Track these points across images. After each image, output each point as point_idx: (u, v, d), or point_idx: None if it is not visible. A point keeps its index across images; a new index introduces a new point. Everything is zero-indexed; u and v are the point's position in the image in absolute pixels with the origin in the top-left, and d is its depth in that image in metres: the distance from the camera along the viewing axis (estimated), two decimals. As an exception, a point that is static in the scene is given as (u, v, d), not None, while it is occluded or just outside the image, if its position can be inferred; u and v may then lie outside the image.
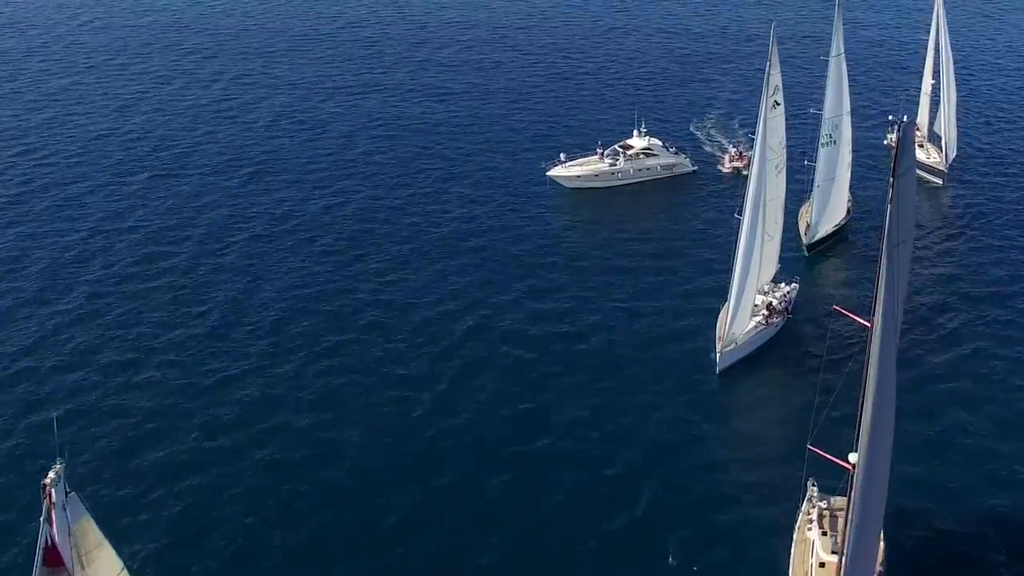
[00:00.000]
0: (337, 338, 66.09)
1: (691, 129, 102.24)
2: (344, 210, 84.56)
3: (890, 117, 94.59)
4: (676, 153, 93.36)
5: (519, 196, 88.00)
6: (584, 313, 69.00)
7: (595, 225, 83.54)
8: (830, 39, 71.18)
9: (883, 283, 34.49)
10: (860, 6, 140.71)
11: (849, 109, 73.05)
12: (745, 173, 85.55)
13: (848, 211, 77.66)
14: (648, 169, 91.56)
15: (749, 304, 60.66)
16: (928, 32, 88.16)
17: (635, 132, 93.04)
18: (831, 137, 72.17)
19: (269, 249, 77.80)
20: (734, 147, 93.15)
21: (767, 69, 59.72)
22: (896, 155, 33.56)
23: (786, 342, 64.27)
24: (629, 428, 57.06)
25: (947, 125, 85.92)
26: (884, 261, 34.20)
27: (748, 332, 61.42)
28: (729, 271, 62.26)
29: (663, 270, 74.40)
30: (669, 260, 76.24)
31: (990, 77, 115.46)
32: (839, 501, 43.82)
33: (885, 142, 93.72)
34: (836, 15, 70.17)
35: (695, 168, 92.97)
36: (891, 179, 33.57)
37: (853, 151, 75.85)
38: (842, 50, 71.19)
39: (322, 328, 67.26)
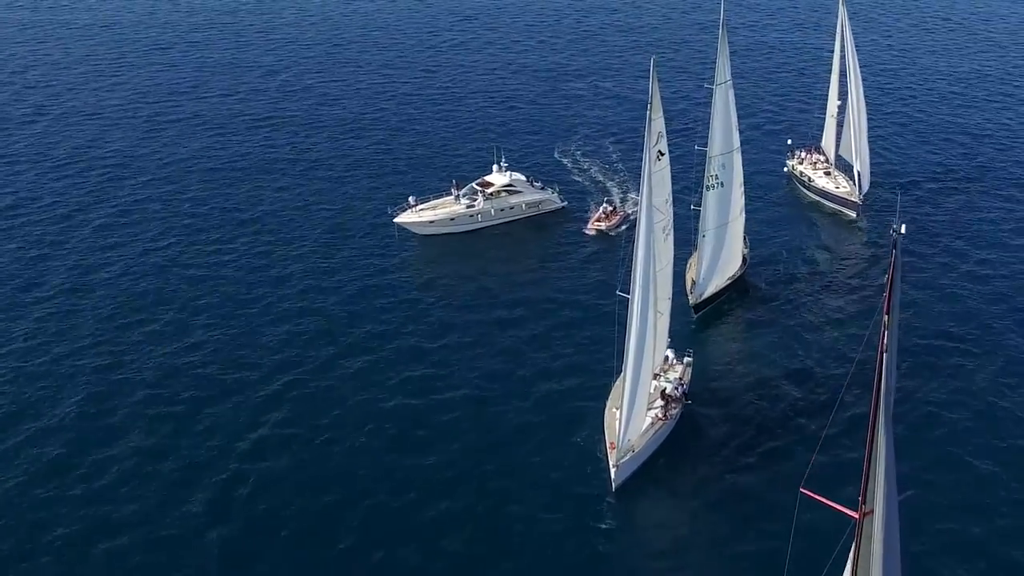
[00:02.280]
0: (159, 410, 56.54)
1: (556, 156, 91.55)
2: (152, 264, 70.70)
3: (788, 141, 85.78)
4: (542, 188, 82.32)
5: (361, 249, 75.32)
6: (441, 390, 57.38)
7: (452, 280, 71.32)
8: (713, 65, 61.08)
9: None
10: (748, 27, 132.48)
11: (739, 144, 63.14)
12: (613, 234, 76.14)
13: (744, 260, 67.60)
14: (511, 208, 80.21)
15: (644, 402, 49.61)
16: (832, 50, 79.22)
17: (494, 167, 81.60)
18: (718, 179, 62.02)
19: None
20: (606, 203, 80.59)
21: (648, 114, 48.65)
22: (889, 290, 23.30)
23: (687, 435, 53.58)
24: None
25: (858, 152, 76.87)
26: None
27: (644, 432, 50.40)
28: (612, 339, 51.94)
29: (531, 341, 62.83)
30: (540, 323, 64.86)
31: (896, 96, 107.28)
32: None
33: (785, 168, 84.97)
34: (720, 36, 59.98)
35: (564, 203, 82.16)
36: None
37: (747, 191, 66.06)
38: (728, 77, 61.17)
39: (144, 400, 56.39)
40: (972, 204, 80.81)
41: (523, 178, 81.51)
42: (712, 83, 60.97)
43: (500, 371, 59.65)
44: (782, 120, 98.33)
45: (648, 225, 48.10)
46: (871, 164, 79.31)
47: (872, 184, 79.77)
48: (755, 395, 56.88)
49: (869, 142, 78.53)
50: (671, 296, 53.88)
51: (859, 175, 77.19)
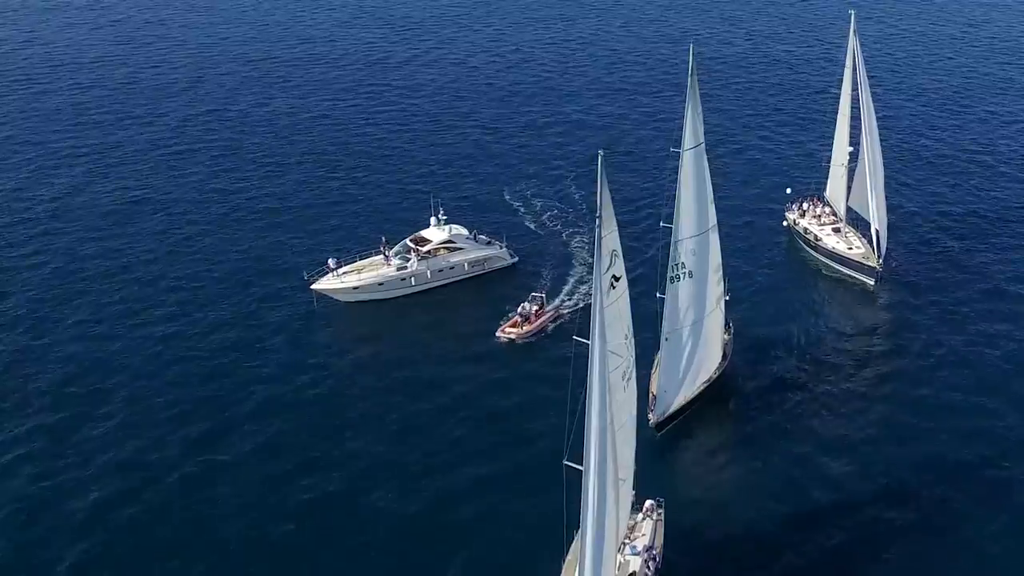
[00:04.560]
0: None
1: (506, 198, 78.24)
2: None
3: (787, 190, 71.78)
4: (488, 243, 69.17)
5: (265, 321, 62.49)
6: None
7: (377, 364, 58.31)
8: (678, 128, 47.54)
9: None
10: (733, 55, 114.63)
11: (715, 222, 49.82)
12: (530, 339, 60.39)
13: (724, 356, 54.21)
14: (452, 268, 67.15)
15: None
16: (840, 89, 64.72)
17: (432, 219, 68.38)
18: (685, 267, 48.68)
19: None
20: (531, 298, 62.67)
21: (597, 229, 35.38)
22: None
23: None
24: None
25: (875, 206, 62.81)
26: None
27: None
28: (560, 509, 38.78)
29: (476, 456, 49.75)
30: (483, 432, 51.74)
31: (910, 133, 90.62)
32: None
33: (784, 223, 71.03)
34: (690, 89, 46.38)
35: (515, 259, 69.06)
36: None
37: (728, 276, 52.84)
38: (701, 139, 47.71)
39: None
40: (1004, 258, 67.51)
41: (464, 232, 68.30)
42: (679, 146, 47.63)
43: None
44: (777, 164, 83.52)
45: (601, 377, 35.18)
46: (888, 220, 65.43)
47: (890, 243, 65.83)
48: (744, 551, 44.03)
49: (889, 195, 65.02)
50: (633, 452, 40.65)
51: (877, 234, 63.20)
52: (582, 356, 35.07)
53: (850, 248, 65.22)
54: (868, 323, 61.87)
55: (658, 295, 50.49)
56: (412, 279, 65.98)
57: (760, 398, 54.49)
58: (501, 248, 68.79)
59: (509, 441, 51.07)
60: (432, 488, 48.07)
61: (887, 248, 64.25)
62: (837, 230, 66.82)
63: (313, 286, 64.30)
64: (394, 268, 65.70)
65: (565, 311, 62.80)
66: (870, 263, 63.23)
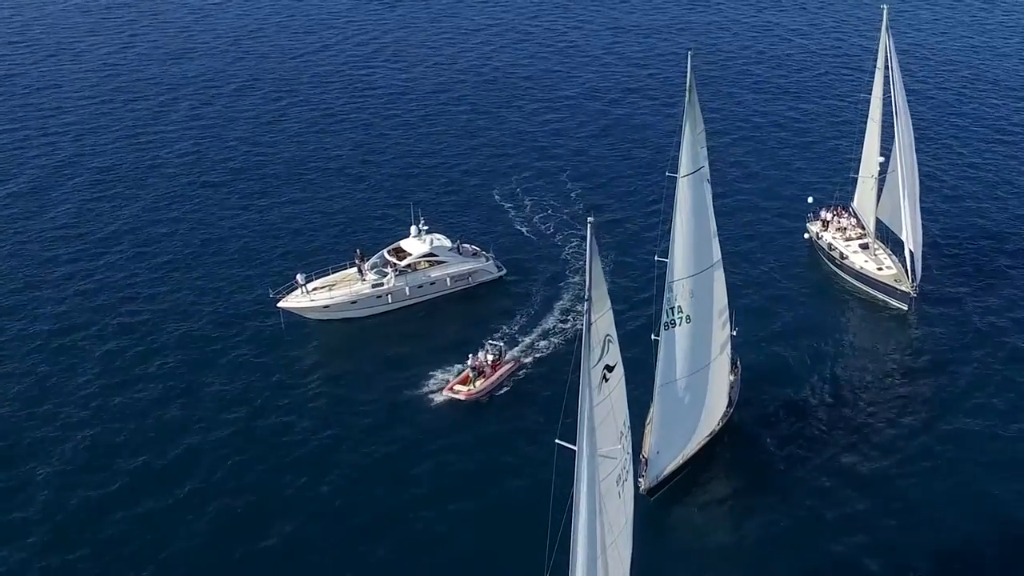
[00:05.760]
0: None
1: (495, 198, 71.31)
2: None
3: (809, 199, 63.94)
4: (474, 254, 62.44)
5: (224, 344, 56.48)
6: None
7: (346, 393, 52.08)
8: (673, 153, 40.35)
9: None
10: (747, 53, 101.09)
11: (719, 257, 42.73)
12: (483, 399, 51.51)
13: (730, 403, 47.15)
14: (433, 284, 60.59)
15: None
16: (870, 91, 57.01)
17: (412, 229, 61.64)
18: (681, 312, 41.78)
19: None
20: (488, 347, 53.57)
21: (586, 315, 28.53)
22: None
23: None
24: None
25: (909, 224, 55.30)
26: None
27: None
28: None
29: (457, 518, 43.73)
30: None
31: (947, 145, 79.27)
32: None
33: (806, 235, 63.53)
34: (688, 105, 39.15)
35: (502, 272, 62.41)
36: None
37: (737, 305, 45.90)
38: (703, 163, 40.57)
39: None
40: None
41: (447, 244, 61.49)
42: (674, 171, 40.51)
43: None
44: (796, 175, 74.04)
45: (591, 487, 28.85)
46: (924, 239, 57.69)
47: (926, 260, 58.13)
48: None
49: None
50: (630, 545, 33.98)
51: (911, 254, 55.75)
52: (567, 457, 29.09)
53: (880, 268, 57.73)
54: (896, 354, 54.38)
55: (653, 337, 43.74)
56: (389, 296, 59.52)
57: (773, 441, 47.55)
58: (488, 260, 62.04)
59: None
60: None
61: (922, 269, 56.68)
62: (865, 246, 59.30)
63: (280, 304, 58.13)
64: (369, 285, 59.27)
65: (531, 359, 53.92)
66: (903, 287, 55.82)
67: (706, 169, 40.83)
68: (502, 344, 54.40)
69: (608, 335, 29.34)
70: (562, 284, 60.96)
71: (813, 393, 51.02)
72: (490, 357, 52.79)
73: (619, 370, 30.30)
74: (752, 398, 49.84)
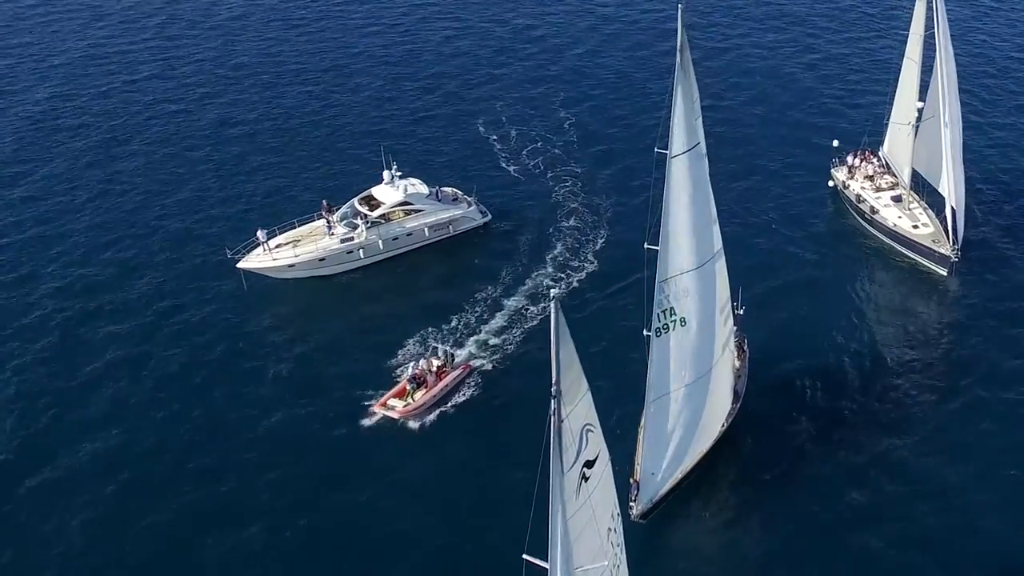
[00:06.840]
0: None
1: (480, 130, 63.82)
2: None
3: (835, 143, 55.85)
4: (455, 200, 55.77)
5: (180, 307, 50.64)
6: None
7: (324, 373, 46.04)
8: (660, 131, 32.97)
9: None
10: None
11: (720, 246, 35.82)
12: (415, 426, 42.38)
13: (736, 397, 40.56)
14: (409, 236, 54.24)
15: None
16: (908, 27, 48.23)
17: (384, 175, 54.81)
18: (674, 314, 35.18)
19: None
20: (429, 354, 45.25)
21: (554, 415, 21.79)
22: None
23: None
24: None
25: (952, 179, 47.98)
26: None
27: None
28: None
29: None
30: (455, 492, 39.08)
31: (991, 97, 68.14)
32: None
33: (831, 183, 55.86)
34: (679, 70, 31.60)
35: (487, 218, 55.88)
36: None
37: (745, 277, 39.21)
38: (700, 138, 33.35)
39: None
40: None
41: (424, 190, 54.73)
42: (666, 148, 33.32)
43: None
44: (819, 118, 64.67)
45: None
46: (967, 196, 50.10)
47: (969, 222, 50.65)
48: None
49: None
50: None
51: (952, 211, 48.36)
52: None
53: (915, 226, 50.32)
54: (935, 328, 47.27)
55: (645, 333, 37.30)
56: (360, 251, 53.27)
57: (783, 434, 41.42)
58: (470, 206, 55.45)
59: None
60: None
61: (964, 230, 49.19)
62: (898, 199, 51.75)
63: (240, 264, 52.08)
64: (337, 240, 52.96)
65: (489, 362, 45.54)
66: (942, 250, 48.54)
67: (703, 145, 33.74)
68: (448, 348, 45.59)
69: (587, 424, 23.04)
70: (554, 233, 54.40)
71: (834, 376, 44.37)
72: (435, 362, 44.26)
73: (603, 460, 24.09)
74: (763, 383, 43.48)
